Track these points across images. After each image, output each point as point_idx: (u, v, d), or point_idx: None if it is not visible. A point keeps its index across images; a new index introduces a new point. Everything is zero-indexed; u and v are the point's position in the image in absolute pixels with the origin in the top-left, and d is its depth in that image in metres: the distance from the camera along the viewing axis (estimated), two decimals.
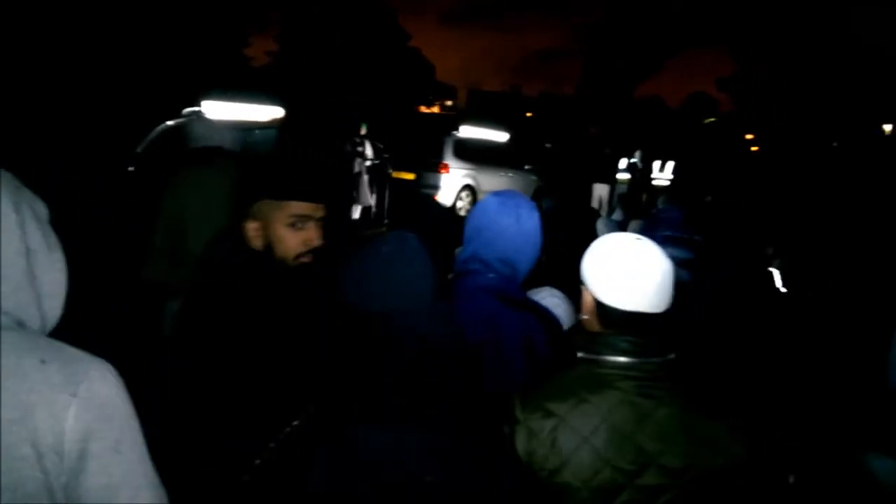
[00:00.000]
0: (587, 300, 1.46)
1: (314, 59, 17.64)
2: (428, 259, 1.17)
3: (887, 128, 29.14)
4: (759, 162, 19.85)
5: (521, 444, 1.35)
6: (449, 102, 29.73)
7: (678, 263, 1.64)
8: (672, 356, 1.40)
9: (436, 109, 25.22)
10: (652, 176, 12.49)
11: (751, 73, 26.92)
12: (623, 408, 1.34)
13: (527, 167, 12.79)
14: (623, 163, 12.73)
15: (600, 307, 1.41)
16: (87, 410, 0.90)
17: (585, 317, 1.48)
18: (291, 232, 1.60)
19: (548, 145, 16.26)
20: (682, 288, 1.68)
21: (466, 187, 11.48)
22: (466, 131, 11.84)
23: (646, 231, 1.72)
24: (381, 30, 23.05)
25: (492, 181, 11.70)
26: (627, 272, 1.38)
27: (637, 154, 12.92)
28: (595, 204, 11.58)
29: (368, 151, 8.75)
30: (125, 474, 0.93)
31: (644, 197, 10.90)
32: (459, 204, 11.20)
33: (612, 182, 12.11)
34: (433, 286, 1.17)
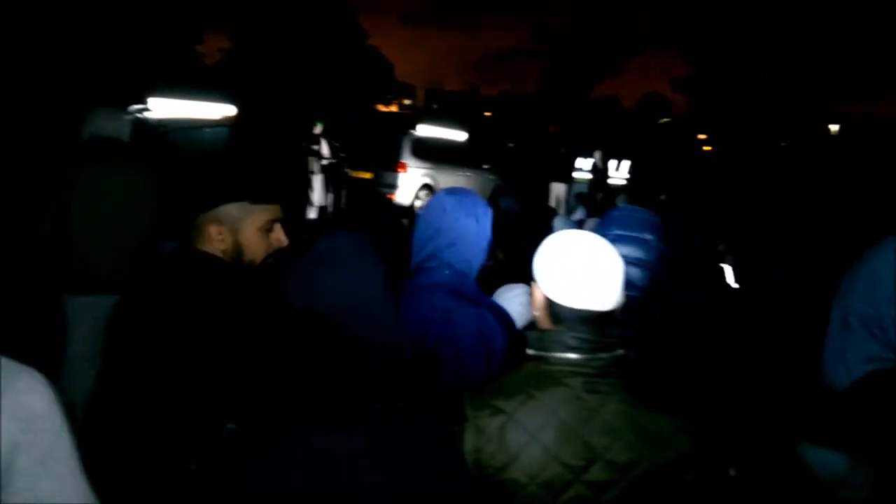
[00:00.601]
0: (538, 297, 1.46)
1: (268, 57, 17.40)
2: (374, 259, 1.16)
3: (833, 128, 30.37)
4: (712, 161, 20.40)
5: (469, 441, 1.35)
6: (408, 101, 29.70)
7: (630, 262, 1.66)
8: (620, 352, 1.41)
9: (394, 108, 25.15)
10: (609, 175, 12.71)
11: (704, 74, 27.67)
12: (571, 404, 1.34)
13: (485, 166, 12.84)
14: (581, 162, 12.91)
15: (550, 304, 1.42)
16: (12, 422, 0.86)
17: (536, 314, 1.48)
18: (263, 235, 1.56)
19: (510, 145, 16.37)
20: (634, 286, 1.70)
21: (425, 186, 11.47)
22: (425, 130, 11.84)
23: (598, 229, 1.74)
24: (339, 27, 22.87)
25: (450, 180, 11.70)
26: (577, 270, 1.38)
27: (596, 154, 13.13)
28: (553, 203, 11.72)
29: (324, 150, 8.68)
30: (54, 490, 0.89)
31: (600, 196, 11.08)
32: (417, 203, 11.18)
33: (570, 181, 12.28)
34: (379, 287, 1.16)
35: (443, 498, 1.12)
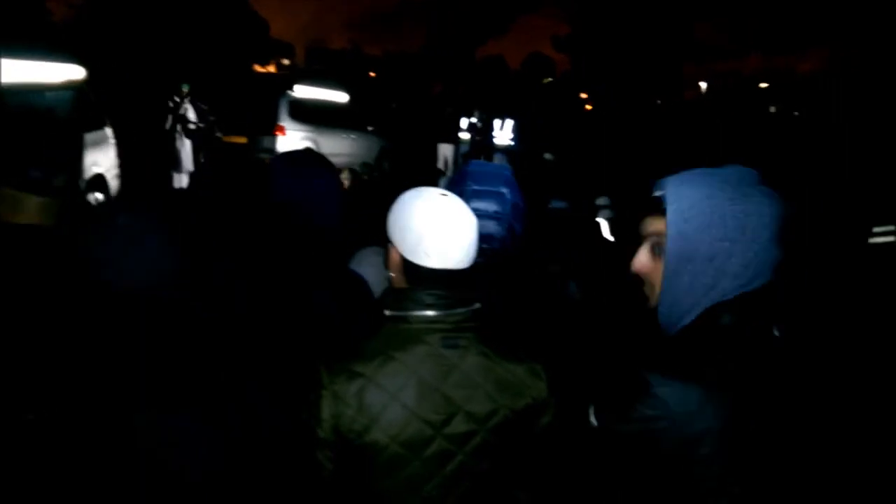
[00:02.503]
0: (393, 257, 1.45)
1: (125, 13, 16.01)
2: (172, 232, 1.08)
3: (703, 85, 32.46)
4: (592, 119, 21.22)
5: (326, 408, 1.33)
6: (286, 61, 28.49)
7: (486, 216, 1.67)
8: (478, 306, 1.43)
9: (272, 69, 24.08)
10: (492, 135, 12.86)
11: (582, 33, 28.56)
12: (430, 361, 1.36)
13: (370, 128, 12.65)
14: (465, 122, 12.98)
15: (406, 264, 1.41)
16: None
17: (392, 274, 1.47)
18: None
19: (392, 105, 16.17)
20: (491, 238, 1.73)
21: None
22: (303, 91, 11.45)
23: (453, 185, 1.73)
24: None
25: (333, 143, 11.45)
26: (432, 229, 1.37)
27: (476, 113, 13.22)
28: (441, 164, 11.76)
29: (191, 114, 8.19)
30: None
31: (482, 157, 11.22)
32: None
33: (457, 142, 12.33)
34: (178, 261, 1.09)
35: (267, 472, 1.09)
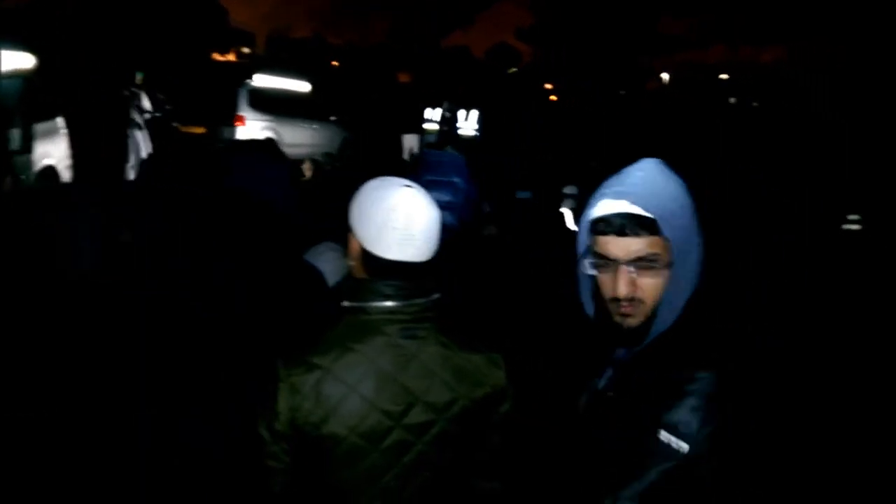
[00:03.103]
0: (354, 247, 1.44)
1: None
2: (87, 221, 1.06)
3: (665, 76, 32.93)
4: (558, 109, 21.34)
5: (283, 401, 1.33)
6: (246, 50, 27.95)
7: (440, 206, 1.67)
8: (437, 296, 1.43)
9: (231, 57, 23.61)
10: (458, 126, 12.86)
11: (546, 24, 28.70)
12: (388, 351, 1.36)
13: (332, 118, 12.52)
14: (430, 113, 12.94)
15: (366, 255, 1.40)
16: None
17: (352, 263, 1.46)
18: None
19: (359, 95, 16.01)
20: (445, 229, 1.72)
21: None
22: (264, 80, 11.27)
23: (410, 176, 1.72)
24: None
25: (295, 133, 11.32)
26: (392, 221, 1.36)
27: (445, 104, 13.19)
28: (406, 155, 11.70)
29: (146, 104, 8.00)
30: None
31: (449, 148, 11.20)
32: None
33: (422, 132, 12.28)
34: (94, 249, 1.06)
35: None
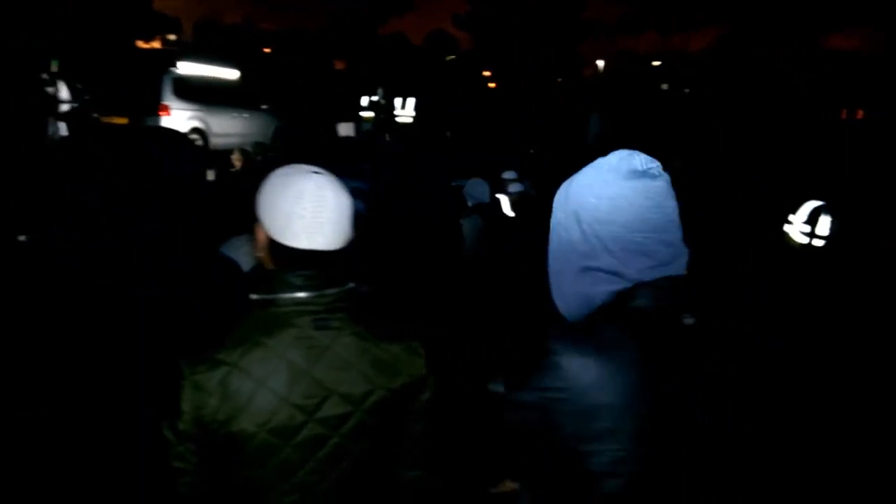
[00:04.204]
0: (260, 238, 1.39)
1: None
2: None
3: (600, 64, 33.55)
4: (497, 97, 21.47)
5: (188, 400, 1.28)
6: (172, 37, 26.99)
7: (353, 194, 1.63)
8: (351, 285, 1.40)
9: (156, 44, 22.75)
10: (395, 113, 12.80)
11: (482, 11, 28.79)
12: (299, 344, 1.32)
13: (264, 107, 12.23)
14: (366, 100, 12.83)
15: (273, 245, 1.35)
16: None
17: (260, 254, 1.41)
18: None
19: (291, 83, 15.68)
20: (358, 219, 1.69)
21: (195, 130, 10.65)
22: (189, 68, 10.89)
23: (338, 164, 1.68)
24: None
25: (223, 123, 11.01)
26: (300, 208, 1.32)
27: (379, 91, 13.09)
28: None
29: (63, 93, 7.62)
30: None
31: (387, 136, 11.13)
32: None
33: (358, 120, 12.14)
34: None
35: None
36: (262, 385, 1.29)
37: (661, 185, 1.24)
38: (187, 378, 1.28)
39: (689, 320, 1.20)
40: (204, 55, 11.90)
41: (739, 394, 1.18)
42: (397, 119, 12.83)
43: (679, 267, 1.24)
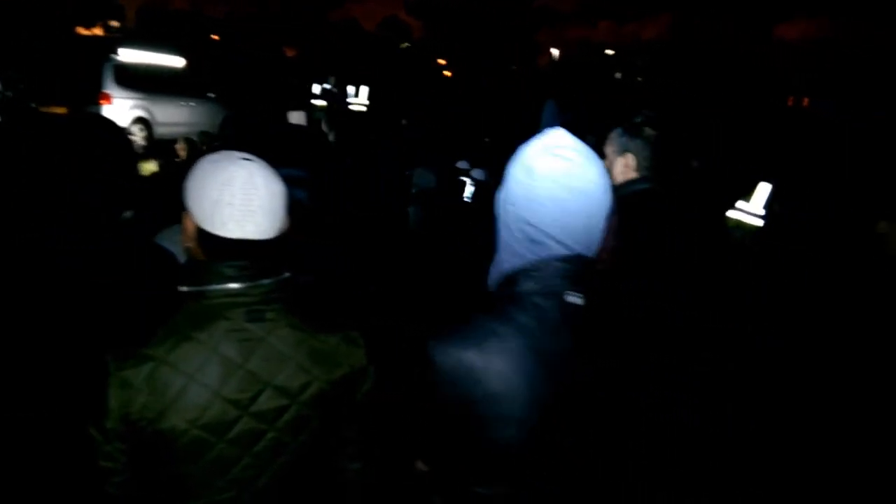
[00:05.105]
0: (188, 227, 1.34)
1: None
2: None
3: (555, 53, 33.81)
4: (452, 85, 21.47)
5: (114, 397, 1.24)
6: (115, 24, 26.14)
7: (292, 182, 1.61)
8: (287, 275, 1.37)
9: (98, 31, 22.01)
10: (348, 101, 12.65)
11: None
12: (232, 337, 1.29)
13: (211, 95, 11.95)
14: (318, 88, 12.64)
15: (202, 234, 1.31)
16: None
17: (188, 245, 1.37)
18: None
19: (239, 71, 15.35)
20: (299, 208, 1.67)
21: (139, 120, 10.34)
22: (131, 55, 10.55)
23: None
24: None
25: (169, 112, 10.72)
26: (227, 196, 1.28)
27: (331, 79, 12.92)
28: None
29: None
30: None
31: (325, 125, 10.99)
32: (133, 140, 10.07)
33: (310, 109, 11.96)
34: None
35: None
36: (193, 380, 1.26)
37: (572, 168, 1.21)
38: (113, 374, 1.24)
39: (574, 299, 1.20)
40: (148, 42, 11.54)
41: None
42: (350, 107, 12.68)
43: (584, 249, 1.22)
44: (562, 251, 1.21)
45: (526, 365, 1.16)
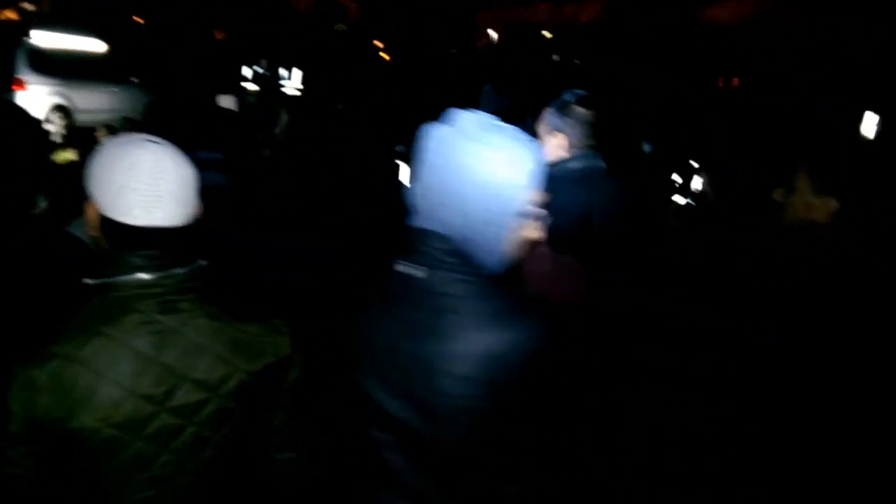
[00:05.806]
0: (91, 215, 1.28)
1: None
2: None
3: (493, 34, 33.87)
4: (390, 68, 21.21)
5: (18, 399, 1.18)
6: (30, 6, 24.74)
7: (208, 165, 1.55)
8: (203, 263, 1.33)
9: (11, 15, 20.80)
10: (280, 84, 12.39)
11: None
12: (143, 330, 1.25)
13: (135, 80, 11.48)
14: (248, 71, 12.32)
15: (106, 222, 1.25)
16: None
17: (93, 234, 1.31)
18: None
19: (164, 54, 14.78)
20: (215, 192, 1.62)
21: (57, 108, 9.86)
22: (48, 39, 10.03)
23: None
24: None
25: (89, 98, 10.26)
26: (132, 181, 1.22)
27: (262, 62, 12.61)
28: None
29: None
30: None
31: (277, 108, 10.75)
32: (51, 128, 9.61)
33: (240, 93, 11.64)
34: None
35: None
36: (103, 377, 1.21)
37: (477, 150, 1.22)
38: (16, 376, 1.18)
39: (411, 270, 1.27)
40: (65, 24, 10.98)
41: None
42: (283, 91, 12.42)
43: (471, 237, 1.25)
44: (440, 231, 1.25)
45: (386, 327, 1.29)
